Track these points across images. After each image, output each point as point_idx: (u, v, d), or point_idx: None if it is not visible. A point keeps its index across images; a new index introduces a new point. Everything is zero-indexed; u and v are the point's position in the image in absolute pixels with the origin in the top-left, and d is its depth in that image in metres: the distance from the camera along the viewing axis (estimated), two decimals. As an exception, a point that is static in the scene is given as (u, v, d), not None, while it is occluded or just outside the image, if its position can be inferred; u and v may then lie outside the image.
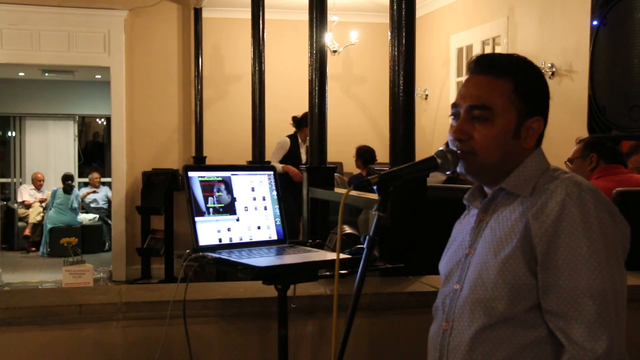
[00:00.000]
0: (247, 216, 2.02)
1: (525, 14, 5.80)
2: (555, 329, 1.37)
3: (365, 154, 6.94)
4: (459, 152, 1.49)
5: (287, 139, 6.66)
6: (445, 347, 1.49)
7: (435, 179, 3.97)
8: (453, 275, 1.54)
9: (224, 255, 1.85)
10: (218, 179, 1.98)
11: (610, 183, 3.14)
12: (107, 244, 10.04)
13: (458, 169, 1.52)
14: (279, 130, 7.27)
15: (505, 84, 1.46)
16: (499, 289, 1.40)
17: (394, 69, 2.67)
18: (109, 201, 10.38)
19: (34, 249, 10.18)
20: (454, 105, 1.52)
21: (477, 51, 6.59)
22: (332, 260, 1.68)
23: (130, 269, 7.61)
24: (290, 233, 2.13)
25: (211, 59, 7.83)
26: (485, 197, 1.56)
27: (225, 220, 1.97)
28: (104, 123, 12.70)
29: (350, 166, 7.99)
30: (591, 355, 1.31)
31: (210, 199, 1.94)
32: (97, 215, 10.61)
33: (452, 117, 1.52)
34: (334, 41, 7.32)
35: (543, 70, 5.25)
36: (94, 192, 10.97)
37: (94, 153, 13.10)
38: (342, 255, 1.90)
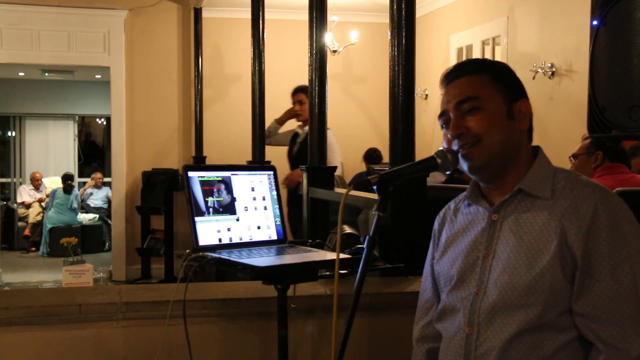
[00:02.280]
0: (247, 216, 2.02)
1: (525, 14, 5.80)
2: (588, 331, 1.37)
3: (367, 155, 7.03)
4: (462, 149, 1.49)
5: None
6: (472, 352, 1.47)
7: (435, 179, 3.97)
8: (468, 278, 1.52)
9: (224, 255, 1.85)
10: (218, 178, 1.98)
11: (613, 182, 3.15)
12: (107, 244, 10.04)
13: (465, 169, 1.52)
14: (278, 130, 7.27)
15: (482, 76, 1.51)
16: (535, 295, 1.40)
17: (394, 69, 2.67)
18: (109, 201, 10.38)
19: (33, 248, 10.19)
20: (442, 114, 1.54)
21: (477, 51, 6.59)
22: (332, 260, 1.67)
23: (130, 269, 7.61)
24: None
25: (211, 59, 7.82)
26: (483, 196, 1.56)
27: (225, 220, 1.96)
28: (104, 123, 12.70)
29: (350, 166, 8.00)
30: (626, 357, 1.32)
31: (210, 199, 1.94)
32: (97, 215, 10.61)
33: (443, 126, 1.54)
34: (334, 41, 7.32)
35: (543, 71, 5.28)
36: (94, 186, 10.96)
37: (94, 153, 13.10)
38: (342, 255, 1.90)
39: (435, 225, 1.70)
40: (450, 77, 1.55)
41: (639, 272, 1.35)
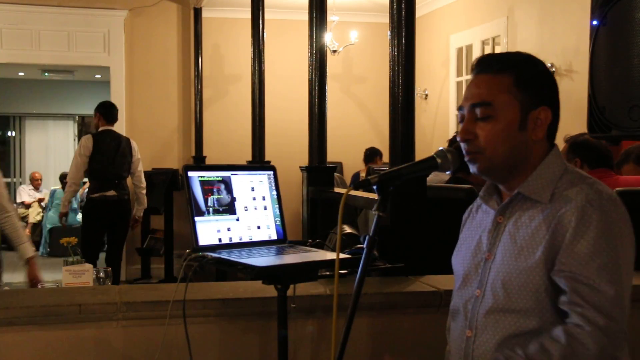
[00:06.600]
0: (247, 216, 2.02)
1: (525, 14, 5.80)
2: (565, 287, 1.36)
3: (367, 154, 7.06)
4: (466, 154, 1.50)
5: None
6: (470, 354, 1.49)
7: (439, 178, 3.97)
8: (471, 279, 1.54)
9: (224, 255, 1.85)
10: (218, 178, 1.98)
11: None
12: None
13: (471, 170, 1.53)
14: (279, 130, 7.27)
15: (505, 78, 1.47)
16: (524, 300, 1.41)
17: (394, 69, 2.67)
18: (108, 201, 10.35)
19: (33, 248, 10.15)
20: (460, 108, 1.54)
21: (477, 51, 6.58)
22: (332, 260, 1.67)
23: (130, 269, 7.60)
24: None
25: (211, 58, 7.83)
26: (500, 195, 1.56)
27: (225, 220, 1.96)
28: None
29: (350, 166, 8.00)
30: (601, 297, 1.32)
31: (210, 198, 1.94)
32: (97, 215, 10.59)
33: (460, 121, 1.54)
34: (334, 41, 7.32)
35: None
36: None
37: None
38: (342, 255, 1.90)
39: (463, 218, 1.70)
40: (478, 69, 1.52)
41: (624, 267, 1.35)
